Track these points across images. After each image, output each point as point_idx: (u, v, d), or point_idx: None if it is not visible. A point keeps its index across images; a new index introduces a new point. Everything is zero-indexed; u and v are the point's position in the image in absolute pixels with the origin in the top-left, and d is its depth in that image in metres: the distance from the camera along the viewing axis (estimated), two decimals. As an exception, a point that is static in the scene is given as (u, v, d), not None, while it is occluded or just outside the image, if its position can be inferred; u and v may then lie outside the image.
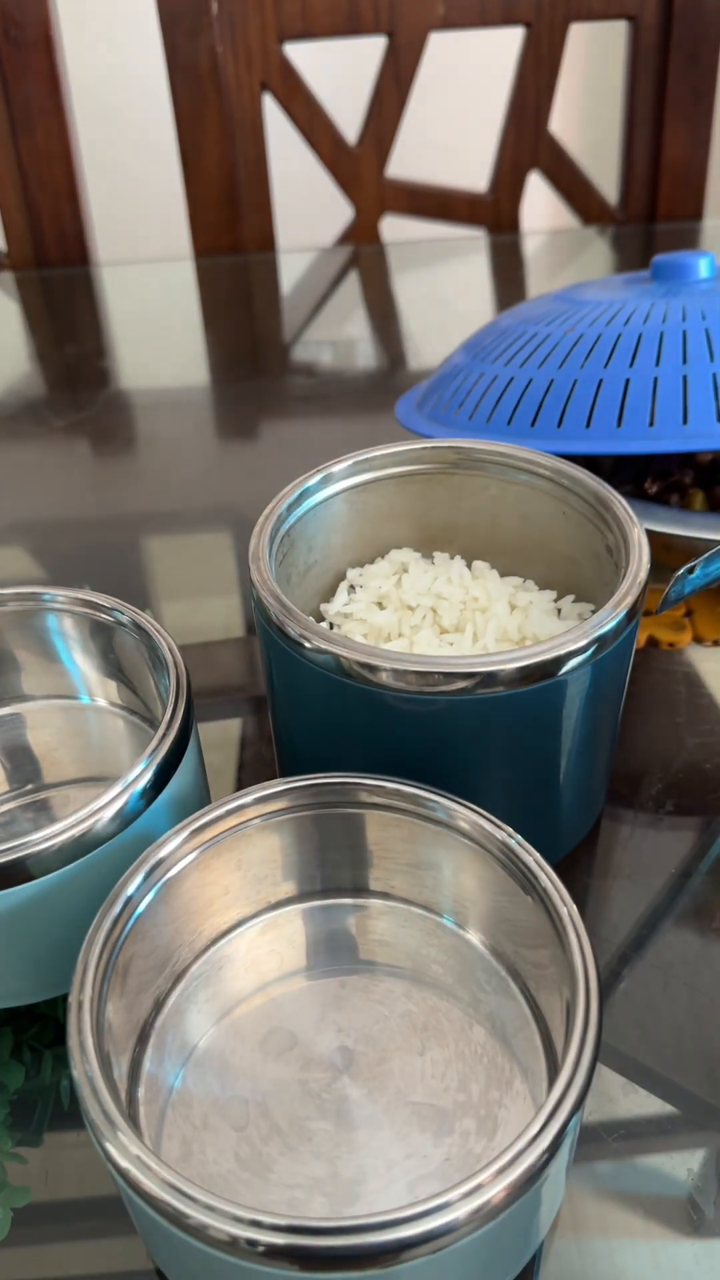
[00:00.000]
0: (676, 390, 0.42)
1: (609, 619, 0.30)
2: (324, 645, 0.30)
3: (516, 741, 0.31)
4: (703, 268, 0.48)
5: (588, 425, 0.43)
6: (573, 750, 0.32)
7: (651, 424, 0.42)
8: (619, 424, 0.42)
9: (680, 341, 0.43)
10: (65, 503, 0.60)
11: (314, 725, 0.34)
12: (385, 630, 0.37)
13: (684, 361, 0.42)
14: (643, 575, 0.32)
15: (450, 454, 0.39)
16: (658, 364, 0.43)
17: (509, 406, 0.45)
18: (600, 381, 0.43)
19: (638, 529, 0.33)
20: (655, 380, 0.42)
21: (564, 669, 0.29)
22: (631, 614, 0.31)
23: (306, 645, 0.30)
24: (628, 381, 0.43)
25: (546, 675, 0.29)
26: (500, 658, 0.29)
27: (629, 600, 0.31)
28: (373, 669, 0.29)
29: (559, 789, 0.34)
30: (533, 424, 0.44)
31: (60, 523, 0.59)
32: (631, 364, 0.43)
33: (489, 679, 0.29)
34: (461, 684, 0.29)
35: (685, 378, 0.42)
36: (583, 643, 0.29)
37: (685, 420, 0.41)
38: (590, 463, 0.47)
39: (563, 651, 0.29)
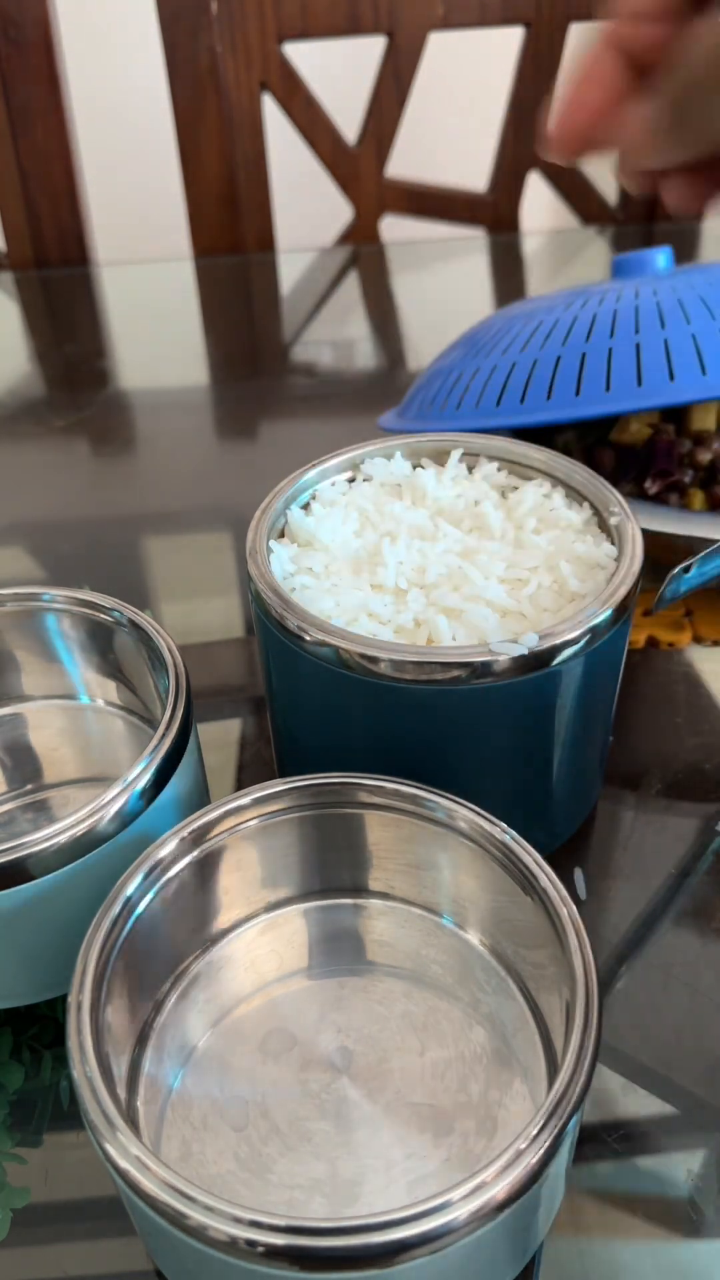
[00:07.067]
0: (660, 353, 0.42)
1: (602, 610, 0.31)
2: (323, 638, 0.30)
3: (512, 730, 0.32)
4: (660, 260, 0.49)
5: (577, 393, 0.43)
6: (566, 740, 0.33)
7: (639, 384, 0.42)
8: (607, 388, 0.42)
9: (655, 311, 0.43)
10: (65, 503, 0.60)
11: (312, 717, 0.34)
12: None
13: (662, 327, 0.43)
14: (636, 567, 0.32)
15: (447, 447, 0.39)
16: (637, 332, 0.43)
17: (495, 390, 0.45)
18: (584, 355, 0.44)
19: (632, 523, 0.34)
20: (638, 346, 0.43)
21: (557, 659, 0.30)
22: (624, 606, 0.31)
23: (306, 639, 0.31)
24: (610, 350, 0.43)
25: (541, 665, 0.30)
26: (495, 648, 0.29)
27: (622, 592, 0.31)
28: (372, 660, 0.30)
29: (553, 779, 0.34)
30: (521, 400, 0.44)
31: (60, 523, 0.59)
32: (611, 335, 0.43)
33: (484, 669, 0.29)
34: (457, 674, 0.29)
35: (666, 341, 0.42)
36: (576, 633, 0.30)
37: (671, 378, 0.42)
38: (591, 462, 0.47)
39: (557, 642, 0.30)
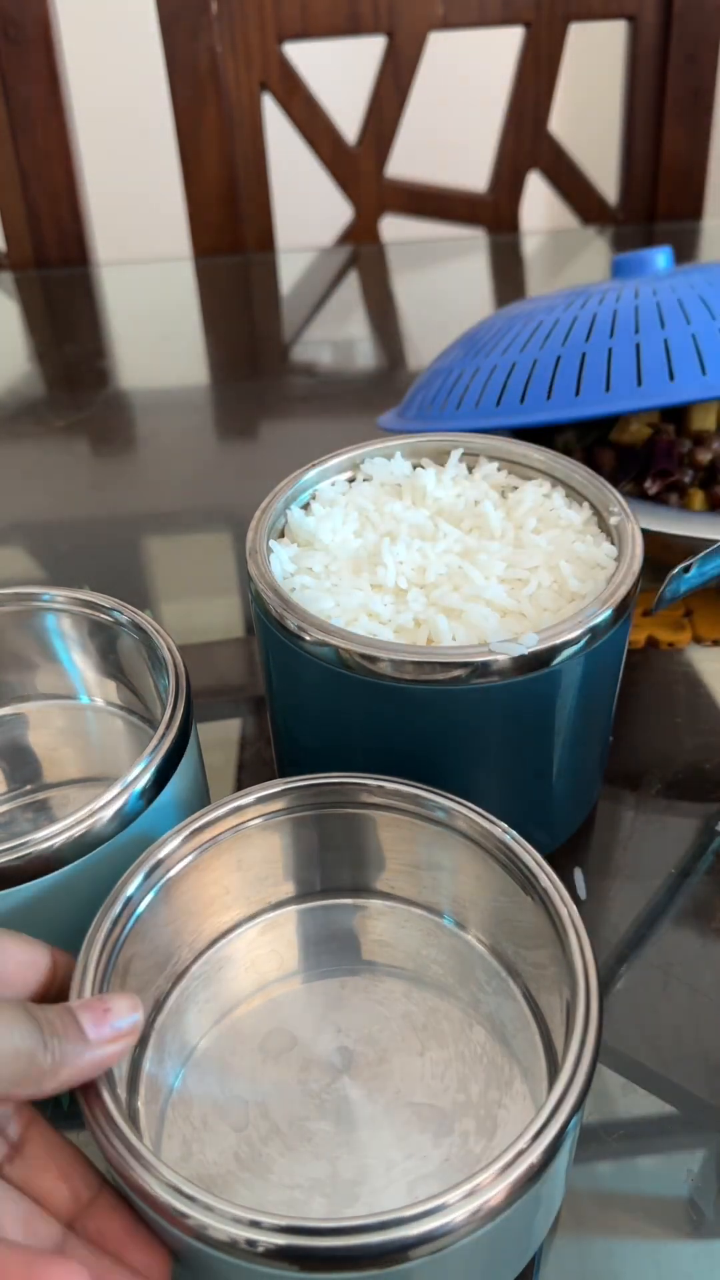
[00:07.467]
0: (660, 353, 0.42)
1: (602, 610, 0.31)
2: (323, 638, 0.30)
3: (512, 729, 0.32)
4: (660, 260, 0.49)
5: (577, 393, 0.43)
6: (566, 740, 0.33)
7: (639, 384, 0.42)
8: (607, 388, 0.42)
9: (655, 311, 0.44)
10: (65, 503, 0.60)
11: (312, 717, 0.34)
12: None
13: (662, 327, 0.43)
14: (636, 567, 0.32)
15: (447, 447, 0.39)
16: (637, 332, 0.43)
17: (495, 390, 0.45)
18: (584, 355, 0.44)
19: (632, 523, 0.34)
20: (638, 346, 0.43)
21: (557, 659, 0.30)
22: (624, 606, 0.31)
23: (306, 639, 0.31)
24: (610, 350, 0.43)
25: (541, 665, 0.30)
26: (495, 648, 0.29)
27: (622, 592, 0.31)
28: (372, 660, 0.30)
29: (553, 778, 0.34)
30: (521, 400, 0.44)
31: (60, 523, 0.59)
32: (611, 335, 0.44)
33: (484, 669, 0.29)
34: (457, 673, 0.29)
35: (666, 341, 0.43)
36: (576, 633, 0.30)
37: (671, 378, 0.42)
38: (591, 462, 0.47)
39: (557, 642, 0.30)
